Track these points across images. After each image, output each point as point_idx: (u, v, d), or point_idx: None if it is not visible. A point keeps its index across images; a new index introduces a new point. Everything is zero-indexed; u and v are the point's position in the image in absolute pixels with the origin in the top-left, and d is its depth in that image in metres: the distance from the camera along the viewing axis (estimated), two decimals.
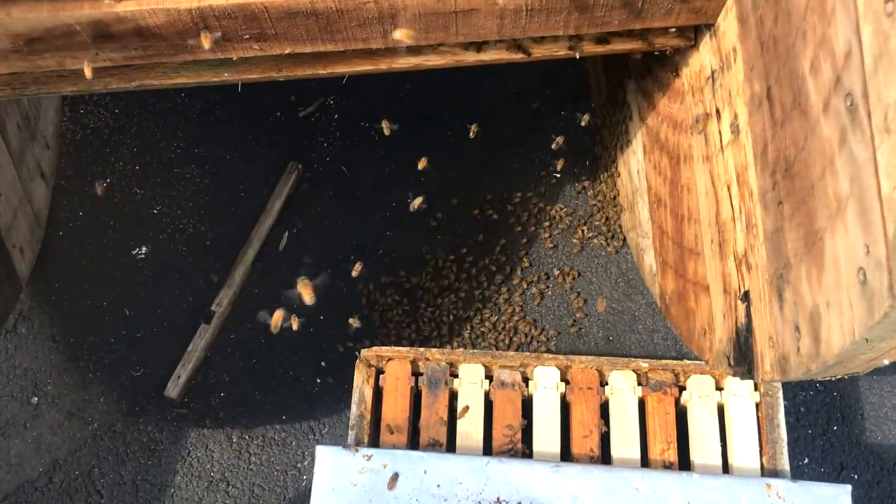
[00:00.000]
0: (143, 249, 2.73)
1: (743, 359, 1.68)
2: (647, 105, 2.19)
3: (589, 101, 2.86)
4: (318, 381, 2.58)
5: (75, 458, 2.49)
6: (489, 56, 1.74)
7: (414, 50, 1.72)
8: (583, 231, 2.71)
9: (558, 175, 2.80)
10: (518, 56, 1.75)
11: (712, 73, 1.72)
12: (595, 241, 2.71)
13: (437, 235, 2.72)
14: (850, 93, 1.17)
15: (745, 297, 1.65)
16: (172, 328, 2.63)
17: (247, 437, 2.52)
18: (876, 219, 1.13)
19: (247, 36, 1.58)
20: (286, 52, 1.64)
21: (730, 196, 1.69)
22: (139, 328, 2.63)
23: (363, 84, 2.93)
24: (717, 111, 1.71)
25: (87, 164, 2.84)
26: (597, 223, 2.72)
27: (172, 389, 2.54)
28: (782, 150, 1.42)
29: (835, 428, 2.49)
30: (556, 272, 2.68)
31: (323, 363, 2.60)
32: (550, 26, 1.62)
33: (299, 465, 2.48)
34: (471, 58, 1.75)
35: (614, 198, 2.65)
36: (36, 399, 2.56)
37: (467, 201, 2.77)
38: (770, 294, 1.52)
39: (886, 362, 1.34)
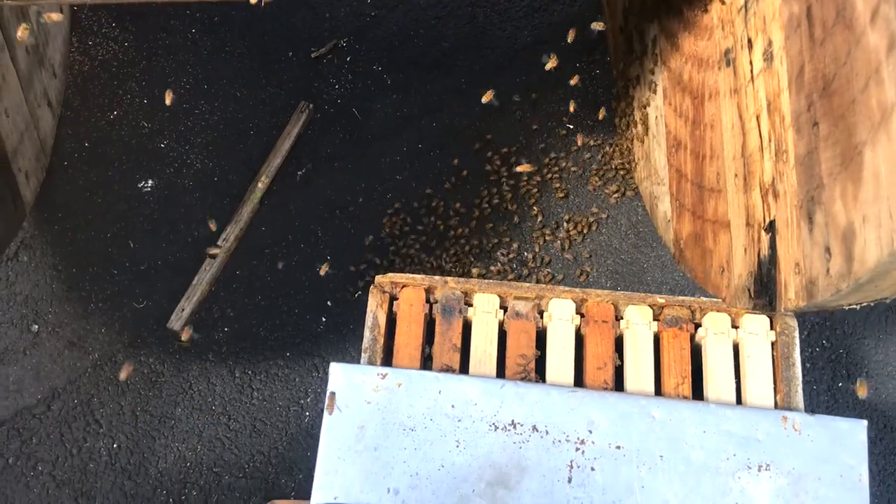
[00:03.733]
0: (150, 183, 2.70)
1: (764, 290, 1.67)
2: (669, 47, 2.17)
3: (606, 52, 2.84)
4: (324, 319, 2.55)
5: (74, 387, 2.46)
6: None
7: None
8: (595, 181, 2.69)
9: (571, 126, 2.78)
10: None
11: (745, 2, 1.70)
12: (606, 190, 2.69)
13: (447, 184, 2.70)
14: None
15: (771, 226, 1.63)
16: (177, 262, 2.60)
17: (250, 372, 2.49)
18: None
19: None
20: None
21: (759, 126, 1.67)
22: (143, 261, 2.60)
23: (376, 28, 2.90)
24: (749, 41, 1.69)
25: (95, 96, 2.79)
26: (610, 174, 2.70)
27: (176, 322, 2.51)
28: (821, 69, 1.40)
29: (840, 384, 2.49)
30: (567, 222, 2.66)
31: (329, 303, 2.57)
32: None
33: (302, 402, 2.46)
34: None
35: (629, 147, 2.63)
36: (36, 327, 2.52)
37: (480, 150, 2.74)
38: (799, 219, 1.51)
39: None
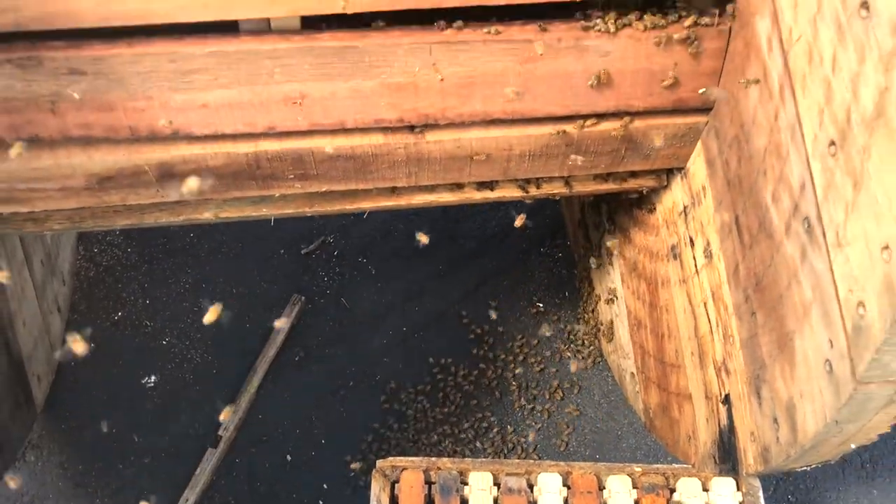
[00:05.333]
0: (152, 378, 2.87)
1: (727, 456, 1.87)
2: (623, 239, 2.47)
3: (566, 239, 3.16)
4: (321, 503, 2.68)
5: None
6: (495, 194, 2.01)
7: (429, 188, 1.99)
8: (567, 355, 2.93)
9: (541, 305, 3.05)
10: (519, 194, 2.03)
11: (684, 208, 2.01)
12: (578, 364, 2.93)
13: (432, 366, 2.91)
14: (806, 217, 1.44)
15: (726, 399, 1.87)
16: (179, 453, 2.73)
17: None
18: (836, 318, 1.38)
19: (291, 176, 1.83)
20: (322, 189, 1.89)
21: (706, 312, 1.94)
22: (147, 454, 2.73)
23: (359, 225, 3.20)
24: (691, 240, 1.99)
25: (100, 300, 3.01)
26: (579, 349, 2.95)
27: None
28: (752, 268, 1.68)
29: None
30: (544, 394, 2.87)
31: (325, 486, 2.71)
32: (548, 169, 1.91)
33: None
34: (478, 195, 2.02)
35: (595, 324, 2.89)
36: None
37: (459, 331, 2.98)
38: (749, 394, 1.75)
39: (853, 446, 1.55)
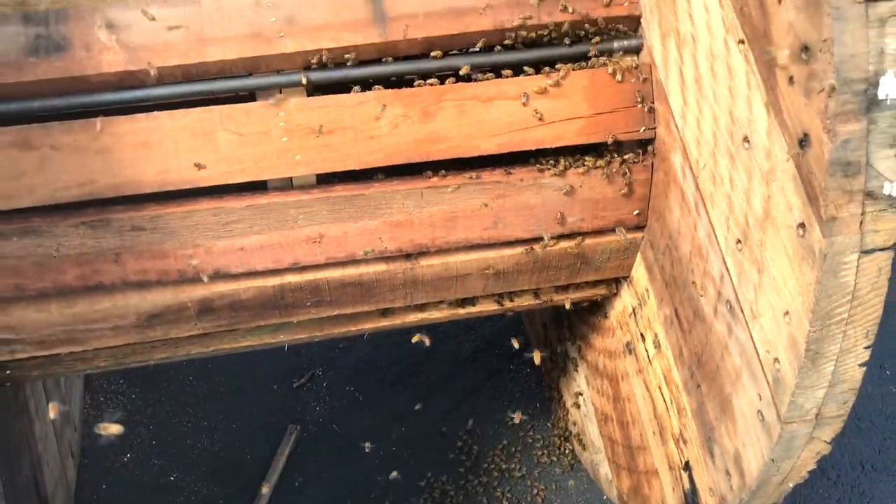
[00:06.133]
0: None
1: None
2: (584, 345, 2.86)
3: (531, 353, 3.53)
4: None
5: None
6: (476, 309, 2.40)
7: (421, 307, 2.36)
8: (543, 459, 3.24)
9: (515, 417, 3.38)
10: (496, 307, 2.41)
11: (633, 309, 2.42)
12: (554, 466, 3.23)
13: (420, 474, 3.19)
14: (728, 300, 1.86)
15: (686, 465, 2.21)
16: None
17: None
18: (760, 375, 1.77)
19: (309, 303, 2.19)
20: (334, 314, 2.25)
21: (661, 394, 2.31)
22: None
23: (345, 356, 3.53)
24: (642, 335, 2.39)
25: (108, 444, 3.23)
26: (554, 451, 3.26)
27: None
28: (693, 348, 2.08)
29: None
30: (527, 497, 3.15)
31: None
32: (519, 283, 2.31)
33: None
34: (462, 311, 2.40)
35: (566, 426, 3.23)
36: None
37: (444, 445, 3.28)
38: (704, 455, 2.10)
39: (790, 486, 1.90)
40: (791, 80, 1.53)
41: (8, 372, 2.20)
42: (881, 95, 1.45)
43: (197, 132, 1.94)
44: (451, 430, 3.33)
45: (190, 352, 2.31)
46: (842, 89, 1.43)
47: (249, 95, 2.03)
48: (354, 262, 2.13)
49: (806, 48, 1.47)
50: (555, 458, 3.25)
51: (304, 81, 1.99)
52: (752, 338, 1.79)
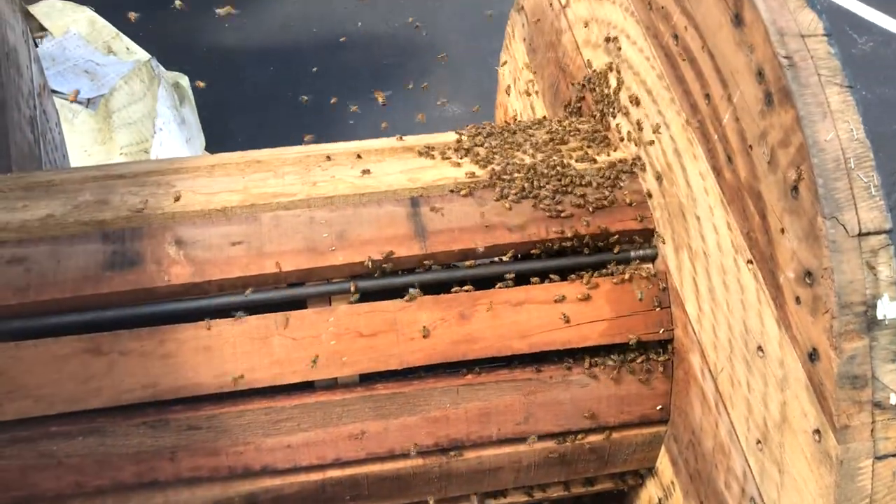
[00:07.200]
0: None
1: None
2: None
3: None
4: None
5: None
6: (507, 500, 2.48)
7: (453, 500, 2.45)
8: None
9: None
10: (526, 499, 2.50)
11: (659, 500, 2.50)
12: None
13: None
14: (752, 497, 1.96)
15: None
16: None
17: None
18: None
19: (348, 497, 2.29)
20: None
21: None
22: None
23: None
24: None
25: None
26: None
27: None
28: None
29: None
30: None
31: None
32: (550, 475, 2.41)
33: None
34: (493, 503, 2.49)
35: None
36: None
37: None
38: None
39: None
40: (798, 300, 1.71)
41: None
42: (880, 316, 1.63)
43: (254, 337, 2.12)
44: None
45: None
46: (843, 311, 1.61)
47: (300, 302, 2.23)
48: (393, 457, 2.25)
49: (809, 273, 1.67)
50: None
51: (352, 289, 2.18)
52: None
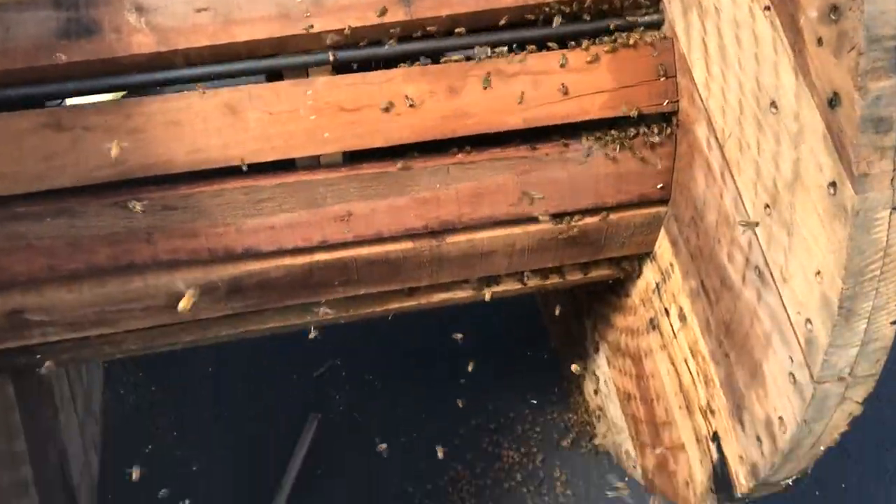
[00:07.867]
0: (187, 502, 3.08)
1: (722, 485, 2.21)
2: (604, 326, 2.88)
3: (547, 342, 3.55)
4: None
5: None
6: (500, 289, 2.41)
7: (446, 286, 2.38)
8: (564, 443, 3.25)
9: (535, 402, 3.40)
10: (519, 286, 2.43)
11: (657, 284, 2.44)
12: (578, 452, 3.25)
13: (440, 470, 3.20)
14: (756, 265, 1.88)
15: (715, 436, 2.22)
16: None
17: None
18: (791, 338, 1.79)
19: (336, 282, 2.21)
20: (361, 293, 2.26)
21: (688, 367, 2.33)
22: None
23: (362, 348, 3.54)
24: (666, 310, 2.41)
25: (130, 436, 3.25)
26: (576, 435, 3.27)
27: None
28: (720, 318, 2.09)
29: None
30: (547, 480, 3.17)
31: None
32: (544, 260, 2.33)
33: None
34: (486, 291, 2.41)
35: (586, 410, 3.24)
36: None
37: (464, 432, 3.30)
38: (733, 424, 2.11)
39: (822, 449, 1.92)
40: (819, 41, 1.55)
41: (38, 357, 2.21)
42: None
43: (226, 111, 1.96)
44: (471, 417, 3.34)
45: (218, 334, 2.32)
46: (872, 46, 1.45)
47: (277, 75, 2.05)
48: (381, 240, 2.15)
49: (835, 8, 1.50)
50: (576, 443, 3.27)
51: (331, 59, 2.01)
52: (782, 301, 1.80)
